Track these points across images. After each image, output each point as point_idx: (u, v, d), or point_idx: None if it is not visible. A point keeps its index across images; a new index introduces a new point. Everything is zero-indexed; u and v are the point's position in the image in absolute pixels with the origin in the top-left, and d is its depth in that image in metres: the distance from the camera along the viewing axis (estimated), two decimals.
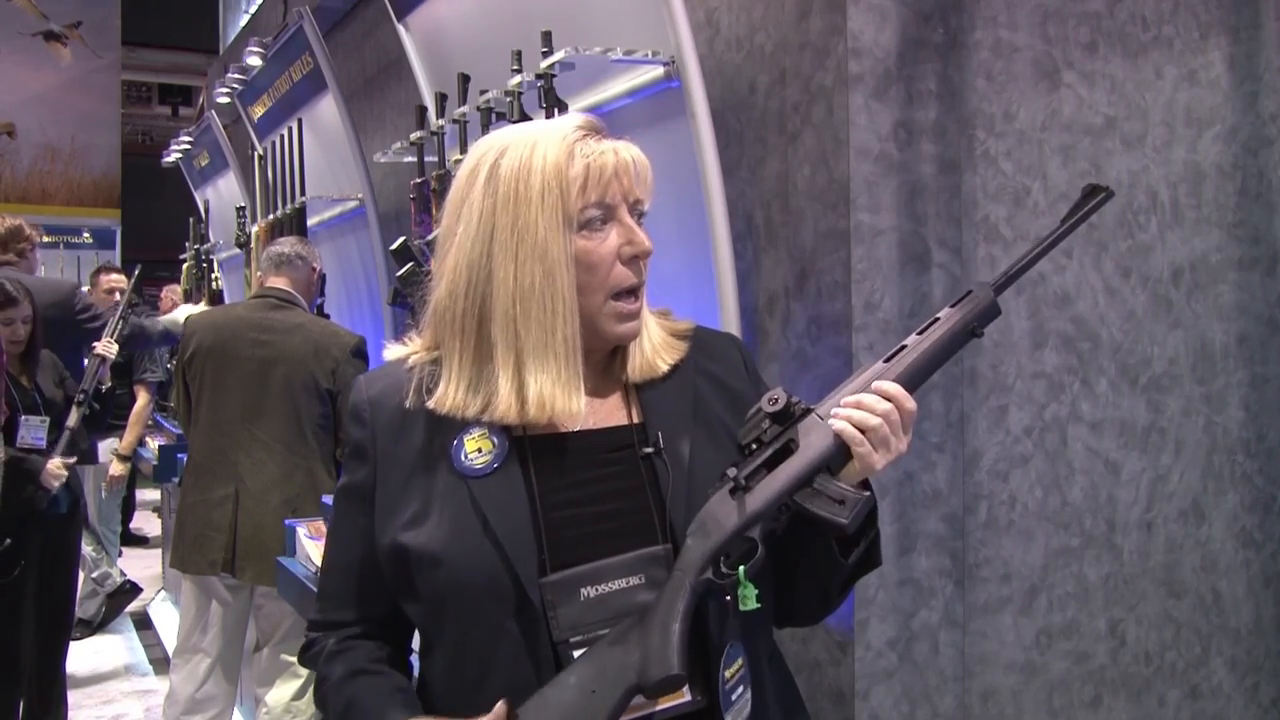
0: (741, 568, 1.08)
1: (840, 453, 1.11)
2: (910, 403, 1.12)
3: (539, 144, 1.11)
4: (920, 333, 1.16)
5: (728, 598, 1.09)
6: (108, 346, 4.18)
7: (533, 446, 1.14)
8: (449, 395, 1.13)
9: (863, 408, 1.10)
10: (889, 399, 1.11)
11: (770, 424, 1.13)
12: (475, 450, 1.12)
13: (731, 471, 1.10)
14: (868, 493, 1.10)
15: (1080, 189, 1.24)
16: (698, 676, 1.09)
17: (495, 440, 1.12)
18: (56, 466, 3.52)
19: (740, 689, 1.12)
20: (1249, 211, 2.28)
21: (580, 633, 1.07)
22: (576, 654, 1.07)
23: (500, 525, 1.09)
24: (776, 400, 1.12)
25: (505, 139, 1.14)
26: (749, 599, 1.08)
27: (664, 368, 1.19)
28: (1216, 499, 2.26)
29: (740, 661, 1.12)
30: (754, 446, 1.13)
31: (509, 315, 1.10)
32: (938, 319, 1.17)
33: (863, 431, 1.10)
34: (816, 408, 1.13)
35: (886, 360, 1.15)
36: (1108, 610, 2.15)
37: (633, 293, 1.14)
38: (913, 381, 1.14)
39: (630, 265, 1.13)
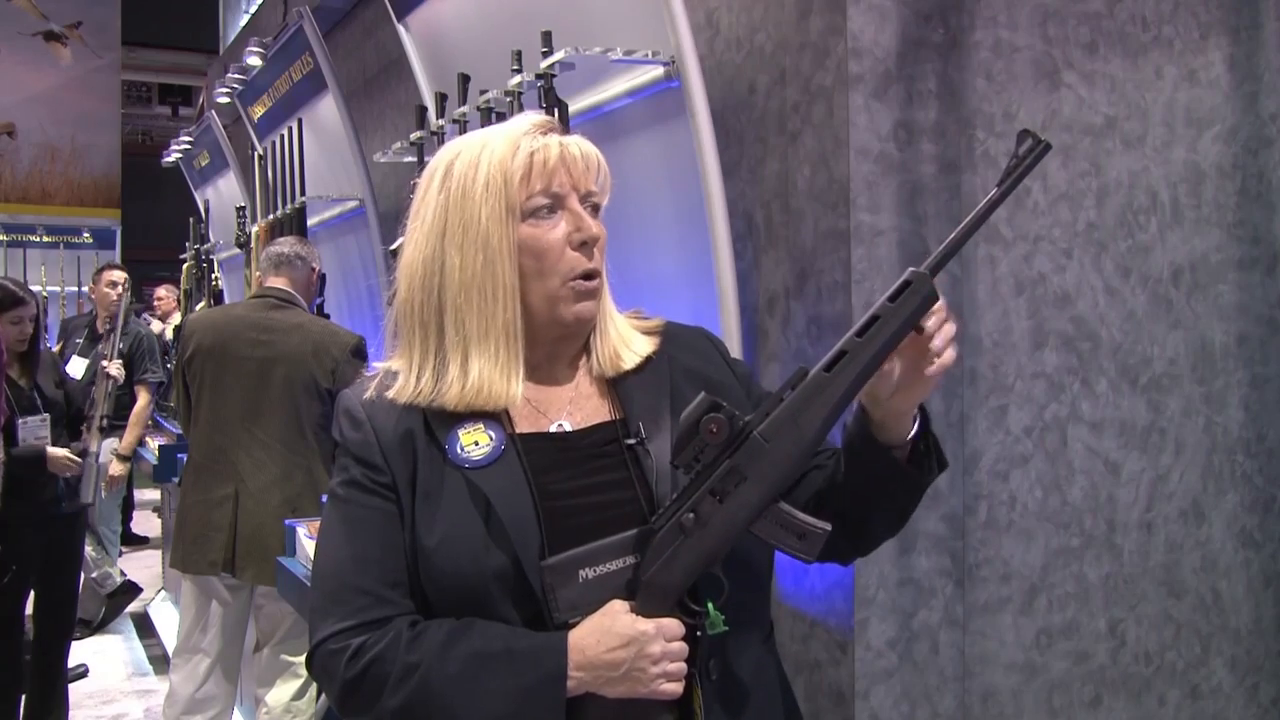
0: (711, 604, 1.10)
1: (793, 480, 1.09)
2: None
3: (489, 143, 1.16)
4: (859, 334, 1.07)
5: (698, 633, 1.10)
6: (118, 369, 4.20)
7: (524, 444, 1.16)
8: (408, 385, 1.17)
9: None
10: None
11: (709, 448, 1.08)
12: (472, 443, 1.14)
13: (688, 514, 1.08)
14: (827, 525, 1.10)
15: (1019, 141, 1.08)
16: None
17: (492, 434, 1.15)
18: (62, 455, 3.54)
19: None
20: (1249, 211, 2.28)
21: (580, 612, 1.09)
22: None
23: (505, 511, 1.11)
24: (717, 430, 1.07)
25: (461, 143, 1.20)
26: (717, 624, 1.10)
27: (634, 359, 1.22)
28: (1216, 499, 2.26)
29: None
30: (695, 463, 1.09)
31: (456, 304, 1.15)
32: (877, 317, 1.06)
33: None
34: (757, 425, 1.08)
35: (828, 369, 1.07)
36: (1108, 610, 2.15)
37: (588, 275, 1.17)
38: (857, 389, 1.08)
39: (582, 251, 1.16)
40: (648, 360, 1.22)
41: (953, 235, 1.10)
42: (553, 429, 1.19)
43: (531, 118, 1.19)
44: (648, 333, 1.26)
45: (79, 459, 3.64)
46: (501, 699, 1.07)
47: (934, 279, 1.07)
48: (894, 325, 1.06)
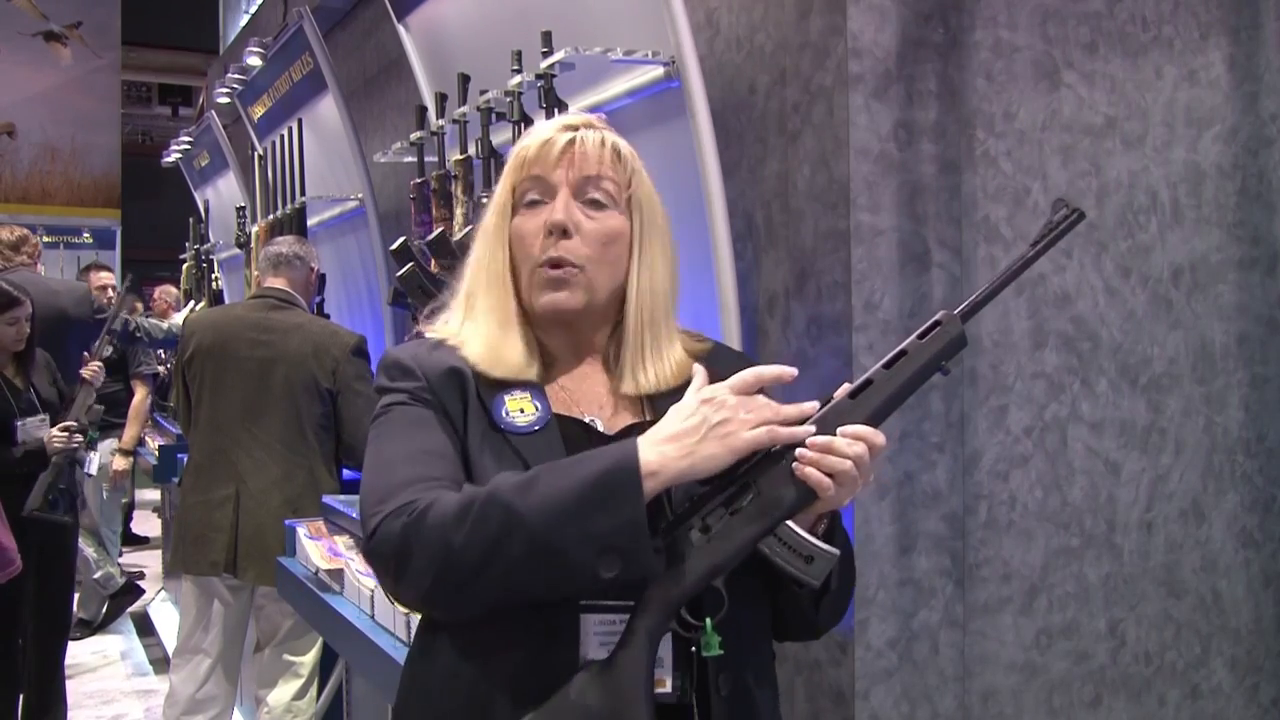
0: (709, 620, 1.09)
1: (807, 498, 1.08)
2: (881, 438, 1.09)
3: (532, 133, 1.23)
4: (887, 366, 1.10)
5: (693, 649, 1.10)
6: (96, 373, 4.17)
7: (560, 425, 1.17)
8: (449, 328, 1.23)
9: (834, 452, 1.06)
10: (859, 439, 1.07)
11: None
12: (518, 410, 1.16)
13: (697, 525, 1.08)
14: (836, 550, 1.10)
15: (1054, 209, 1.17)
16: None
17: (538, 405, 1.17)
18: (56, 432, 3.53)
19: None
20: (1249, 211, 2.28)
21: (595, 598, 1.09)
22: (591, 618, 1.09)
23: None
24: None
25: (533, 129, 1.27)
26: (712, 645, 1.09)
27: (674, 384, 1.21)
28: (1216, 499, 2.26)
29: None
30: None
31: (476, 283, 1.23)
32: (905, 353, 1.11)
33: (831, 476, 1.06)
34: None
35: (852, 395, 1.09)
36: (1108, 610, 2.15)
37: (552, 264, 1.17)
38: (877, 420, 1.10)
39: (549, 238, 1.17)
40: (686, 383, 1.22)
41: (986, 287, 1.15)
42: (585, 419, 1.20)
43: (577, 116, 1.23)
44: (696, 356, 1.24)
45: (71, 432, 3.60)
46: (574, 493, 1.02)
47: (965, 324, 1.12)
48: (919, 362, 1.11)
